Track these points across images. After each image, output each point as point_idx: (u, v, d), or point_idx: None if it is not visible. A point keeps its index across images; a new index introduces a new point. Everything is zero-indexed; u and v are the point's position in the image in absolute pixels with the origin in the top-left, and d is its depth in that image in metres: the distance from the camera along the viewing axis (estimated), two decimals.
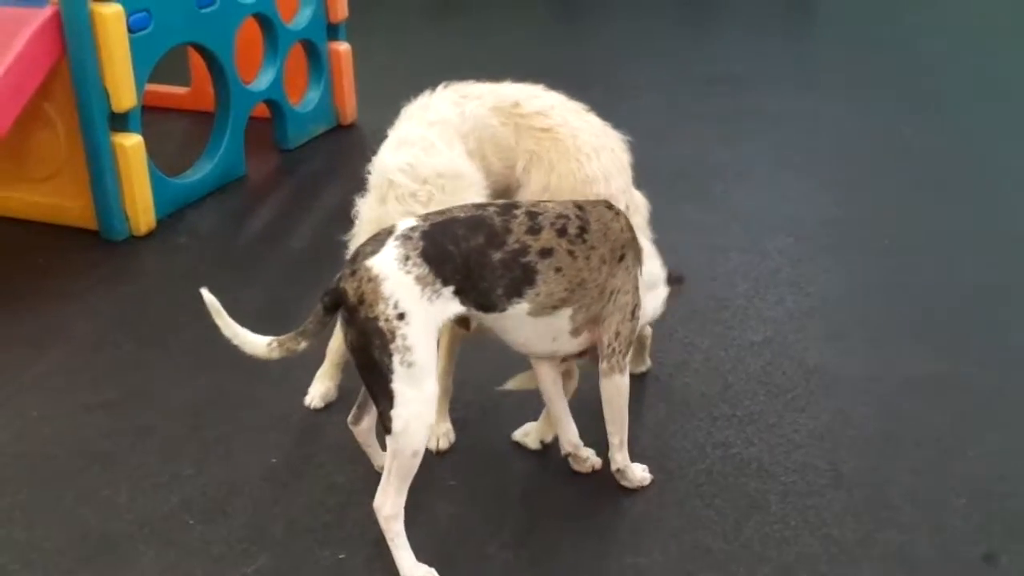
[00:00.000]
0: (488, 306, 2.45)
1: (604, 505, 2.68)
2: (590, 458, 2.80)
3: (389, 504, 2.41)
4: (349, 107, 5.29)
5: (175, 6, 4.15)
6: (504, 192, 2.90)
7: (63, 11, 3.81)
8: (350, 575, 2.50)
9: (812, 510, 2.65)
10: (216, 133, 4.55)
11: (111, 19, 3.83)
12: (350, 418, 2.70)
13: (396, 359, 2.31)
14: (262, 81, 4.71)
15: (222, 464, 2.87)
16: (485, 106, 2.89)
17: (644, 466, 2.76)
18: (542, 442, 2.91)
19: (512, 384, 2.95)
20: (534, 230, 2.46)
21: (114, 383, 3.25)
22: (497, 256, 2.42)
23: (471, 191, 2.73)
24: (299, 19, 4.90)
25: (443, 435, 2.92)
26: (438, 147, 2.76)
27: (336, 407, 3.09)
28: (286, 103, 4.86)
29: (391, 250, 2.34)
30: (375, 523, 2.63)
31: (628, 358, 2.65)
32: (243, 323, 2.71)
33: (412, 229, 2.38)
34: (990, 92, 5.57)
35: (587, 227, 2.52)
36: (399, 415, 2.34)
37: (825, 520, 2.61)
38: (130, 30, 3.92)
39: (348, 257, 2.48)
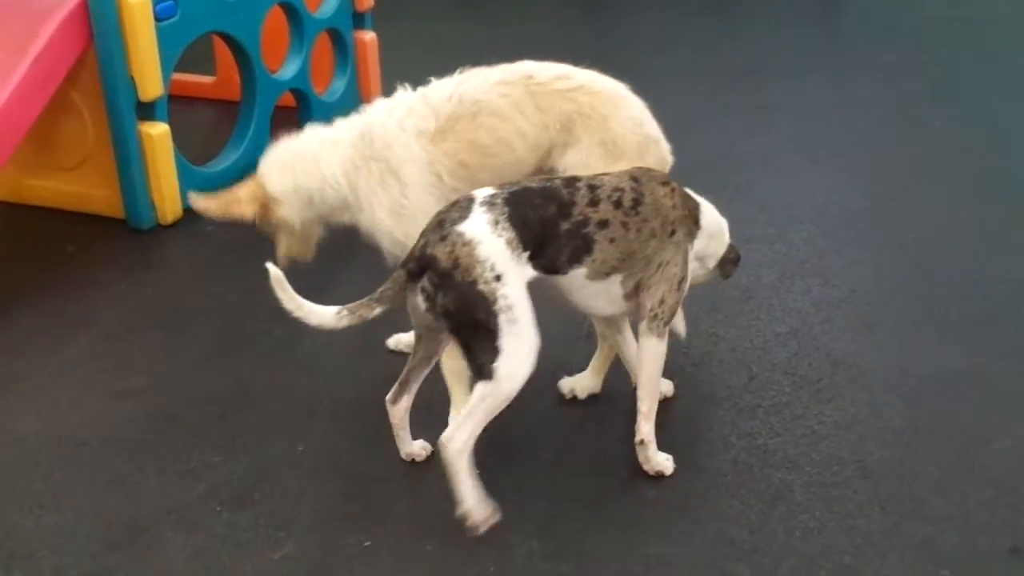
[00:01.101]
0: (553, 270, 2.59)
1: (628, 495, 2.70)
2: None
3: (462, 439, 2.48)
4: (375, 96, 5.29)
5: None
6: (544, 155, 2.96)
7: (90, 0, 3.84)
8: (375, 562, 2.52)
9: (837, 501, 2.65)
10: (242, 122, 4.57)
11: (138, 8, 3.85)
12: (389, 396, 2.75)
13: (502, 318, 2.43)
14: (288, 70, 4.73)
15: (248, 452, 2.89)
16: (489, 82, 2.95)
17: (669, 456, 2.77)
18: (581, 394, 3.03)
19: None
20: (594, 202, 2.60)
21: (142, 370, 3.28)
22: (564, 226, 2.56)
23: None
24: (325, 8, 4.91)
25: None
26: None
27: (363, 396, 3.11)
28: (312, 92, 4.88)
29: (481, 215, 2.48)
30: (400, 511, 2.67)
31: (668, 327, 2.75)
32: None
33: (493, 196, 2.52)
34: (1022, 84, 5.53)
35: (641, 200, 2.65)
36: (504, 365, 2.45)
37: (851, 511, 2.62)
38: (157, 19, 3.95)
39: (430, 226, 2.53)
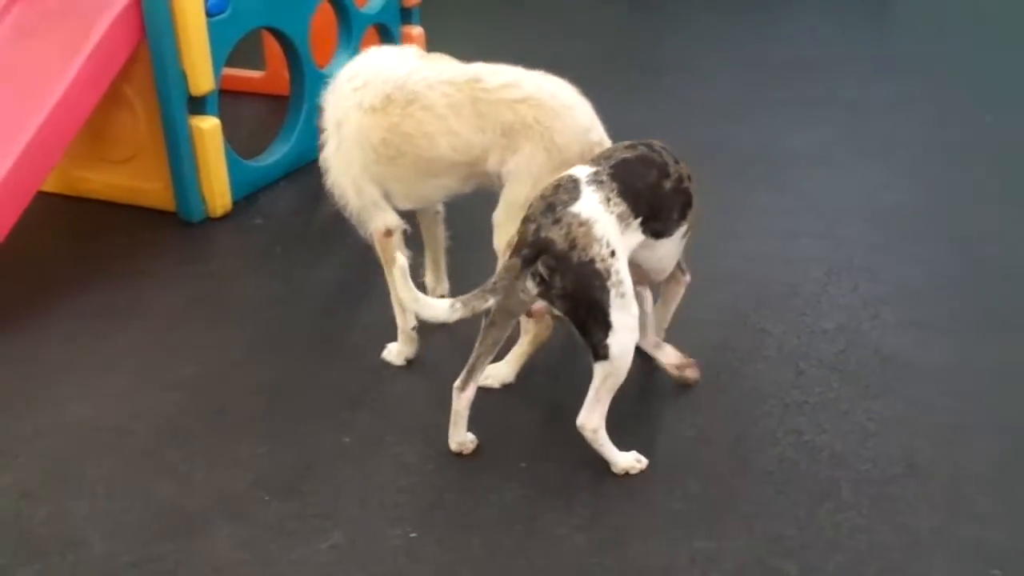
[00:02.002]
0: (661, 232, 2.73)
1: (674, 490, 2.68)
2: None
3: (595, 419, 2.65)
4: None
5: None
6: (478, 157, 2.99)
7: None
8: (421, 553, 2.52)
9: (885, 499, 2.62)
10: (291, 117, 4.60)
11: (190, 3, 3.88)
12: (457, 383, 2.77)
13: (613, 293, 2.51)
14: (337, 65, 4.74)
15: (296, 442, 2.91)
16: (438, 78, 3.00)
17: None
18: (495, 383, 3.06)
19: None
20: (676, 160, 2.77)
21: (191, 361, 3.31)
22: (668, 185, 2.71)
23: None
24: (373, 3, 4.93)
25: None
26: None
27: (410, 388, 3.13)
28: None
29: (592, 195, 2.56)
30: (448, 503, 2.67)
31: None
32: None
33: (596, 173, 2.60)
34: None
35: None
36: (616, 341, 2.55)
37: (899, 509, 2.59)
38: (208, 14, 3.98)
39: (536, 210, 2.57)
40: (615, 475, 2.73)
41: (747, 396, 3.04)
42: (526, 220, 2.58)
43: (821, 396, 3.02)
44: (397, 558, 2.51)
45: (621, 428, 2.79)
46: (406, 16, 5.13)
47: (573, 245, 2.50)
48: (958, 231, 3.89)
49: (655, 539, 2.54)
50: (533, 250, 2.52)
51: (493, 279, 2.58)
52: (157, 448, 2.93)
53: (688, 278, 3.08)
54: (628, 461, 2.72)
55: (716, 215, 4.02)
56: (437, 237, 3.45)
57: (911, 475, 2.71)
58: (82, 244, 4.09)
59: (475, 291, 2.56)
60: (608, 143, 2.98)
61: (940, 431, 2.87)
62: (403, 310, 3.14)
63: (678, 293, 3.10)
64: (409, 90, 3.00)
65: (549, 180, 2.70)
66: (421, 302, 2.53)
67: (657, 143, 2.82)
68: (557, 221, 2.52)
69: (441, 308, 2.54)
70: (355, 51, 4.76)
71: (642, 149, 2.74)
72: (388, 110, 3.01)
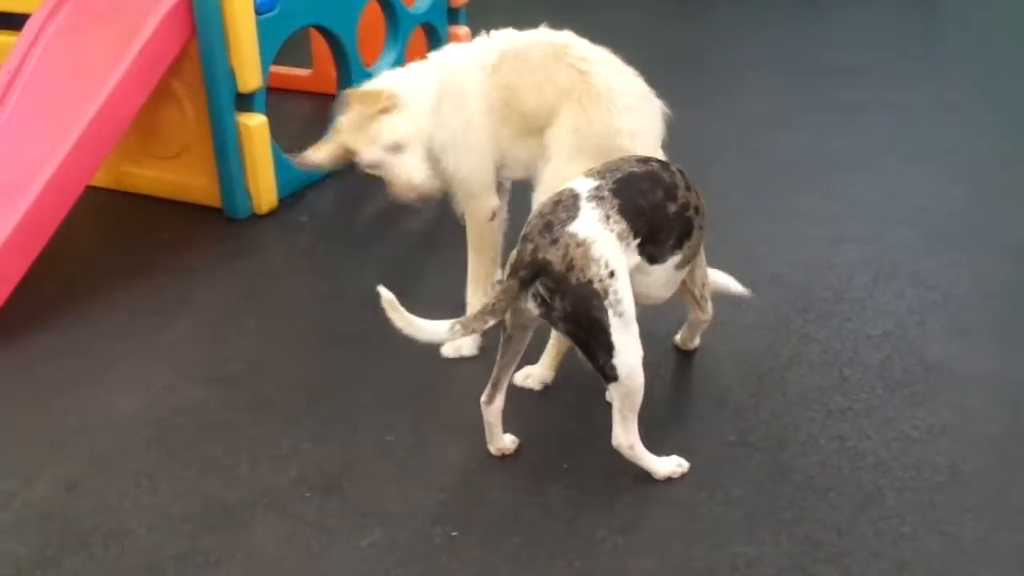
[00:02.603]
0: (656, 257, 2.65)
1: (715, 494, 2.67)
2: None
3: (628, 436, 2.63)
4: None
5: None
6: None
7: None
8: (463, 552, 2.53)
9: (929, 507, 2.60)
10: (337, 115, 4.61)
11: (239, 1, 3.91)
12: (484, 398, 2.76)
13: (611, 313, 2.46)
14: (383, 64, 4.76)
15: (339, 440, 2.93)
16: (538, 38, 3.16)
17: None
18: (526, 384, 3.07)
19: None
20: (688, 187, 2.69)
21: (236, 356, 3.34)
22: (672, 209, 2.63)
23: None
24: (421, 3, 4.95)
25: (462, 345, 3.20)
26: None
27: (452, 387, 3.13)
28: None
29: (591, 212, 2.48)
30: (489, 502, 2.68)
31: None
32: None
33: (598, 188, 2.53)
34: None
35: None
36: (621, 362, 2.51)
37: (943, 518, 2.57)
38: (257, 12, 4.01)
39: (534, 229, 2.52)
40: (655, 479, 2.72)
41: (790, 401, 3.02)
42: (524, 239, 2.52)
43: (865, 402, 2.99)
44: (438, 556, 2.52)
45: (663, 431, 2.79)
46: (453, 16, 5.15)
47: (571, 267, 2.44)
48: (1007, 238, 3.85)
49: (695, 543, 2.53)
50: (530, 271, 2.47)
51: (491, 300, 2.53)
52: (201, 442, 2.95)
53: (709, 316, 3.07)
54: (669, 467, 2.71)
55: (760, 220, 4.02)
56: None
57: (955, 483, 2.68)
58: (129, 239, 4.13)
59: (474, 312, 2.54)
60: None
61: (985, 439, 2.84)
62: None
63: (698, 325, 3.12)
64: (517, 46, 3.13)
65: (574, 164, 2.71)
66: (416, 325, 2.49)
67: (675, 165, 2.76)
68: (555, 241, 2.45)
69: (440, 332, 2.50)
70: (402, 50, 4.79)
71: (654, 166, 2.66)
72: (501, 67, 3.10)
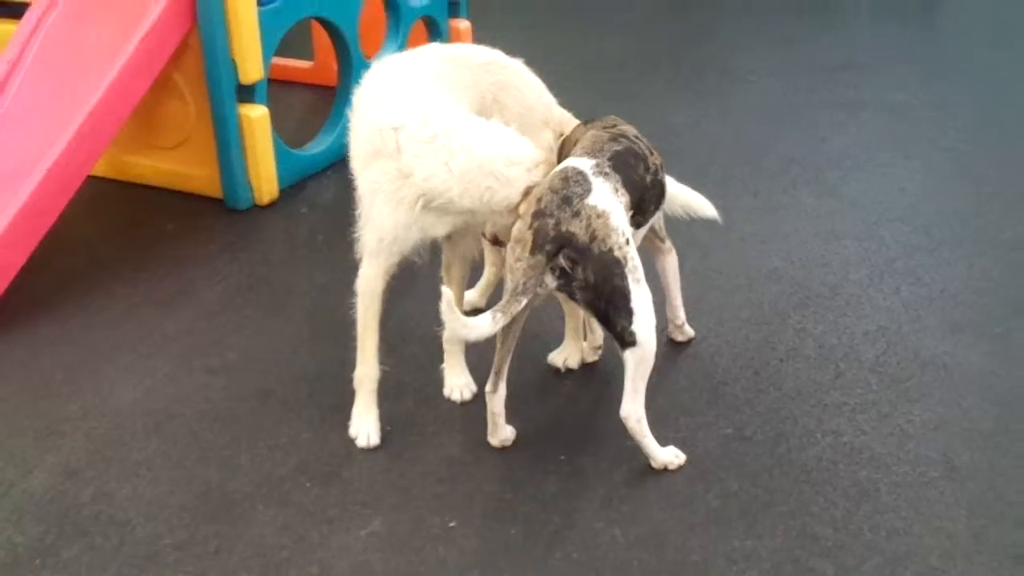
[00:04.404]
0: (641, 223, 2.77)
1: (712, 487, 2.67)
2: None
3: (637, 408, 2.64)
4: None
5: None
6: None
7: None
8: (459, 542, 2.53)
9: (924, 502, 2.60)
10: (338, 107, 4.60)
11: None
12: (488, 386, 2.77)
13: (631, 279, 2.53)
14: (384, 55, 4.75)
15: (338, 430, 2.91)
16: (442, 61, 2.97)
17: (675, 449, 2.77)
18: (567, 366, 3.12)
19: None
20: (650, 150, 2.80)
21: (236, 347, 3.33)
22: (649, 178, 2.74)
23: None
24: None
25: (464, 386, 3.04)
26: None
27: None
28: None
29: (602, 185, 2.57)
30: (485, 493, 2.68)
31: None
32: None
33: (598, 165, 2.62)
34: None
35: None
36: (641, 324, 2.56)
37: (938, 512, 2.57)
38: (259, 3, 4.00)
39: (550, 204, 2.53)
40: (654, 471, 2.72)
41: (786, 396, 3.01)
42: (540, 215, 2.53)
43: (861, 397, 2.99)
44: (436, 546, 2.52)
45: (661, 424, 2.79)
46: (454, 9, 5.14)
47: (593, 237, 2.50)
48: (1001, 236, 3.85)
49: (692, 536, 2.52)
50: (554, 245, 2.50)
51: (521, 279, 2.52)
52: (201, 432, 2.95)
53: (670, 245, 3.11)
54: (667, 456, 2.72)
55: (758, 216, 4.02)
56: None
57: (950, 478, 2.68)
58: (130, 229, 4.12)
59: (506, 297, 2.54)
60: (557, 108, 3.05)
61: (979, 435, 2.84)
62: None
63: (673, 264, 3.13)
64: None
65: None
66: (468, 325, 2.49)
67: (631, 131, 2.84)
68: (576, 214, 2.50)
69: (485, 324, 2.49)
70: (403, 43, 4.77)
71: (624, 142, 2.75)
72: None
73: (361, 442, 2.86)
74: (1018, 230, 3.88)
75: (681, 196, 3.12)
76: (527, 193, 2.61)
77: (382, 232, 2.74)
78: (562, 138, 2.98)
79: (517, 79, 3.00)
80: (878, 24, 6.30)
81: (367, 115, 2.78)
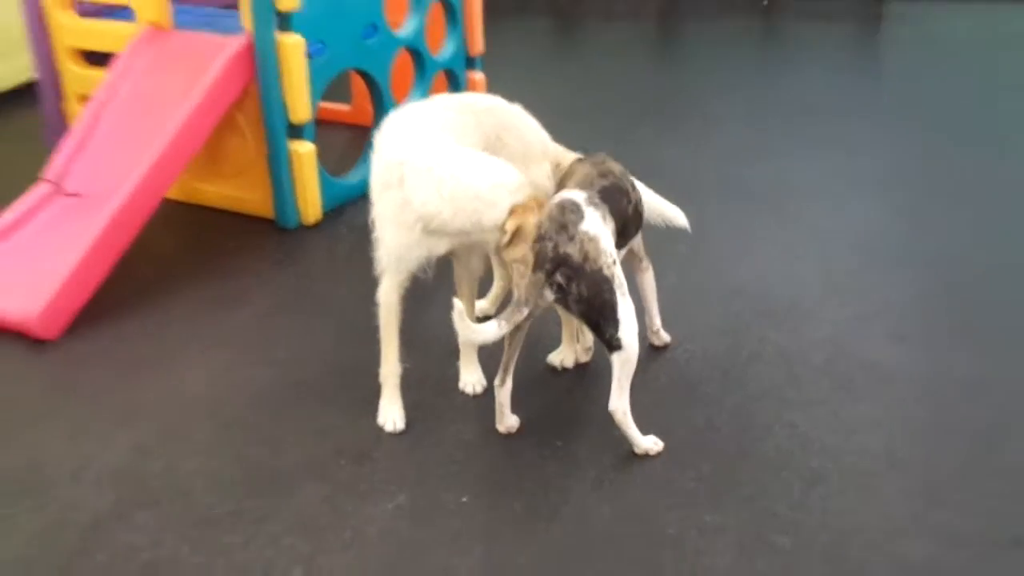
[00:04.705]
0: (621, 247, 2.74)
1: (687, 471, 2.64)
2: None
3: (623, 403, 2.62)
4: None
5: (345, 38, 4.19)
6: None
7: (255, 40, 3.88)
8: (472, 515, 2.50)
9: (869, 487, 2.56)
10: (372, 143, 4.55)
11: (293, 47, 3.89)
12: (497, 381, 2.74)
13: (618, 293, 2.51)
14: (411, 101, 4.73)
15: (369, 417, 2.89)
16: (450, 108, 2.92)
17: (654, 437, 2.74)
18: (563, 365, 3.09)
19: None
20: (633, 187, 2.82)
21: (284, 345, 3.30)
22: (630, 209, 2.77)
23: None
24: (444, 52, 4.91)
25: (477, 381, 3.00)
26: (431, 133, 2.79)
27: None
28: None
29: (593, 213, 2.57)
30: (494, 473, 2.65)
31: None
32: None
33: (590, 196, 2.61)
34: None
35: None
36: (626, 332, 2.54)
37: (880, 497, 2.53)
38: (308, 57, 3.98)
39: (549, 229, 2.52)
40: (637, 456, 2.69)
41: (750, 393, 2.98)
42: (541, 239, 2.53)
43: (814, 396, 2.95)
44: (451, 518, 2.49)
45: (644, 417, 2.75)
46: (471, 63, 5.10)
47: (586, 257, 2.49)
48: (938, 259, 3.80)
49: (670, 512, 2.49)
50: (553, 264, 2.50)
51: (523, 294, 2.54)
52: (253, 416, 2.92)
53: (648, 264, 3.08)
54: (648, 443, 2.68)
55: (728, 238, 3.99)
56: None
57: (891, 468, 2.64)
58: (197, 244, 4.10)
59: (510, 307, 2.53)
60: (551, 144, 3.01)
61: (917, 431, 2.80)
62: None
63: (650, 280, 3.10)
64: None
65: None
66: (476, 331, 2.50)
67: (617, 168, 2.81)
68: (571, 238, 2.50)
69: (491, 330, 2.51)
70: (427, 91, 4.75)
71: (612, 179, 2.73)
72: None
73: (388, 428, 2.84)
74: (951, 252, 3.84)
75: (658, 206, 3.10)
76: (512, 212, 2.59)
77: (390, 252, 2.74)
78: (559, 168, 2.97)
79: (516, 120, 2.97)
80: (831, 74, 6.25)
81: (381, 153, 2.78)
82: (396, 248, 2.73)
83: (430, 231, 2.67)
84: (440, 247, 2.73)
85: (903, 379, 3.03)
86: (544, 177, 2.93)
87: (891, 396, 2.95)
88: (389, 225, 2.73)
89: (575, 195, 2.61)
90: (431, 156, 2.66)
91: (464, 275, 3.00)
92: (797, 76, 6.30)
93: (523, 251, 2.59)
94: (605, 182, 2.71)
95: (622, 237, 2.74)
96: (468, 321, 2.48)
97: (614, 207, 2.66)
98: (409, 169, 2.66)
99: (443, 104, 2.96)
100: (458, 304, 2.44)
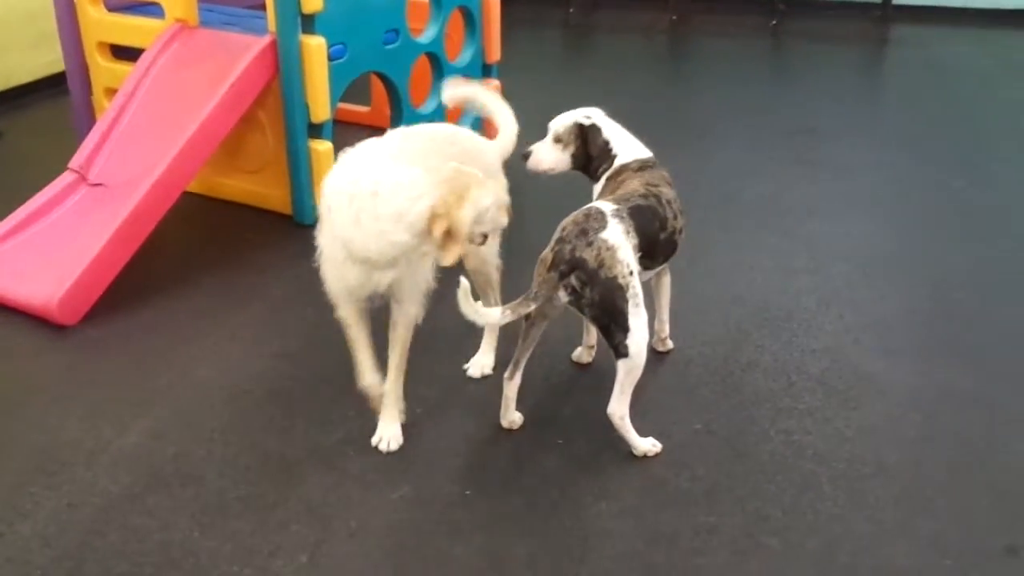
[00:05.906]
0: (648, 267, 2.72)
1: (683, 472, 2.63)
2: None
3: (622, 407, 2.61)
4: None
5: (366, 42, 4.18)
6: None
7: (279, 40, 3.87)
8: (473, 507, 2.50)
9: (858, 494, 2.55)
10: None
11: (315, 49, 3.88)
12: (507, 374, 2.74)
13: (631, 303, 2.50)
14: (429, 106, 4.72)
15: None
16: (409, 138, 2.77)
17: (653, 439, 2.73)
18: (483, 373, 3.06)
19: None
20: (675, 216, 2.77)
21: (297, 338, 3.30)
22: (663, 236, 2.72)
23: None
24: (461, 58, 4.90)
25: (485, 365, 3.03)
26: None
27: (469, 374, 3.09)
28: None
29: (616, 226, 2.55)
30: (496, 468, 2.64)
31: None
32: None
33: (618, 210, 2.59)
34: None
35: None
36: (634, 341, 2.53)
37: (869, 503, 2.52)
38: (330, 58, 3.97)
39: (570, 233, 2.53)
40: (636, 457, 2.68)
41: (746, 399, 2.97)
42: (561, 241, 2.54)
43: (808, 404, 2.94)
44: (454, 510, 2.49)
45: (643, 419, 2.75)
46: (487, 70, 5.10)
47: (601, 264, 2.48)
48: (929, 274, 3.79)
49: (665, 511, 2.49)
50: (568, 267, 2.50)
51: (534, 289, 2.55)
52: (265, 406, 2.92)
53: (665, 267, 3.00)
54: (647, 445, 2.67)
55: (729, 252, 3.97)
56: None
57: (880, 475, 2.63)
58: (216, 236, 4.09)
59: (519, 299, 2.54)
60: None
61: (906, 441, 2.79)
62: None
63: (666, 286, 3.08)
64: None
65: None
66: (480, 312, 2.48)
67: (666, 194, 2.78)
68: (590, 244, 2.50)
69: (494, 315, 2.51)
70: None
71: (652, 201, 2.71)
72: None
73: (383, 447, 2.70)
74: (941, 269, 3.82)
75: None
76: (434, 217, 2.37)
77: (330, 286, 2.63)
78: (620, 165, 2.89)
79: (474, 145, 2.89)
80: (831, 97, 6.23)
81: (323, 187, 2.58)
82: (333, 281, 2.59)
83: (359, 263, 2.47)
84: (383, 278, 2.51)
85: (893, 390, 3.02)
86: (503, 189, 2.82)
87: (882, 406, 2.94)
88: (326, 260, 2.58)
89: (604, 205, 2.62)
90: (354, 183, 2.43)
91: (471, 275, 2.97)
92: (801, 96, 6.28)
93: (462, 249, 2.42)
94: (643, 202, 2.69)
95: (648, 258, 2.69)
96: (471, 301, 2.45)
97: (640, 226, 2.63)
98: (334, 199, 2.46)
99: (403, 134, 2.79)
100: (464, 283, 2.41)
